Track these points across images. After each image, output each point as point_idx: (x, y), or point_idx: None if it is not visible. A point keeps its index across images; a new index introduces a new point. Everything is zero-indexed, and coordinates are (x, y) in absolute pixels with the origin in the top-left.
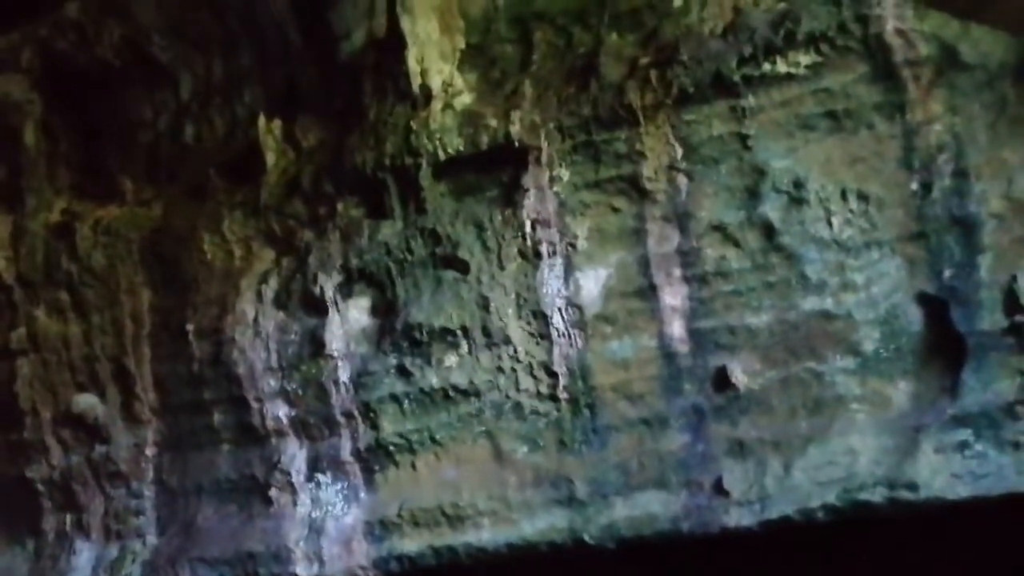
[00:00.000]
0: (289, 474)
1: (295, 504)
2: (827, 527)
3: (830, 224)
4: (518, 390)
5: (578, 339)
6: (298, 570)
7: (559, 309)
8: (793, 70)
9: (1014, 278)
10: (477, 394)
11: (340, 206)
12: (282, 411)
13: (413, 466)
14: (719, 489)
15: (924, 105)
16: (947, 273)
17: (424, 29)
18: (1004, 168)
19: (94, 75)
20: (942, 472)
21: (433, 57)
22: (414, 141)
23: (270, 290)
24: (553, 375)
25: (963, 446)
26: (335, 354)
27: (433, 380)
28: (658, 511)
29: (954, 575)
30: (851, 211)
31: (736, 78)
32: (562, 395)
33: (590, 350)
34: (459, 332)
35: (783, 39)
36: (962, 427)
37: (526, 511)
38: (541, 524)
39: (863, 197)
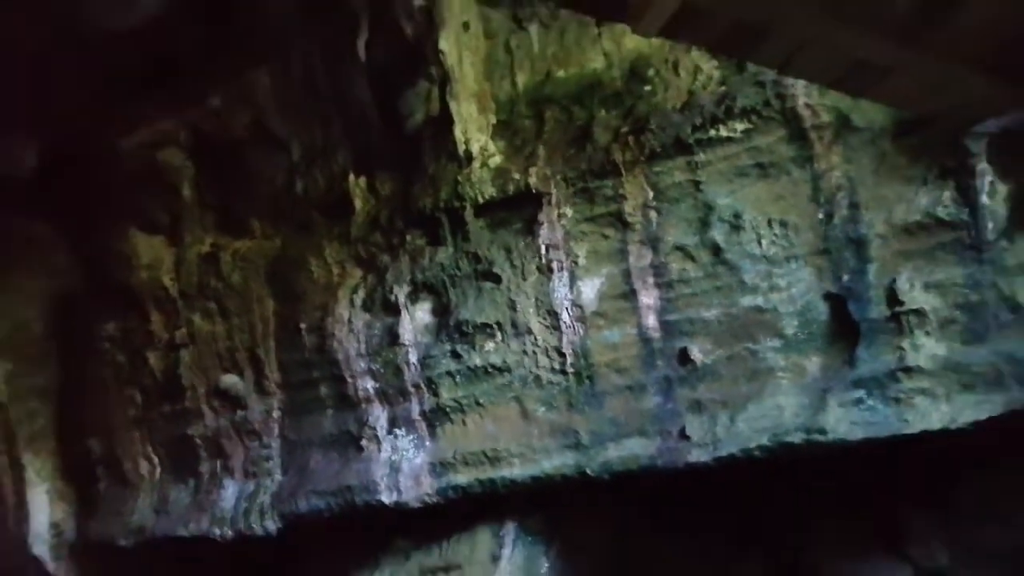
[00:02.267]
0: (375, 429)
1: (379, 451)
2: (761, 466)
3: (760, 244)
4: (538, 367)
5: (580, 330)
6: (383, 498)
7: (566, 308)
8: (732, 134)
9: (893, 280)
10: (508, 370)
11: (408, 237)
12: (369, 384)
13: (464, 422)
14: (683, 435)
15: (826, 157)
16: (845, 278)
17: (466, 110)
18: (885, 202)
19: (231, 145)
20: (844, 421)
21: (473, 130)
22: (460, 190)
23: (359, 298)
24: (563, 355)
25: (859, 401)
26: (406, 343)
27: (477, 360)
28: (640, 452)
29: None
30: (775, 234)
31: (691, 141)
32: (569, 370)
33: (589, 337)
34: (495, 326)
35: (724, 112)
36: (858, 388)
37: (545, 453)
38: (556, 462)
39: (783, 224)
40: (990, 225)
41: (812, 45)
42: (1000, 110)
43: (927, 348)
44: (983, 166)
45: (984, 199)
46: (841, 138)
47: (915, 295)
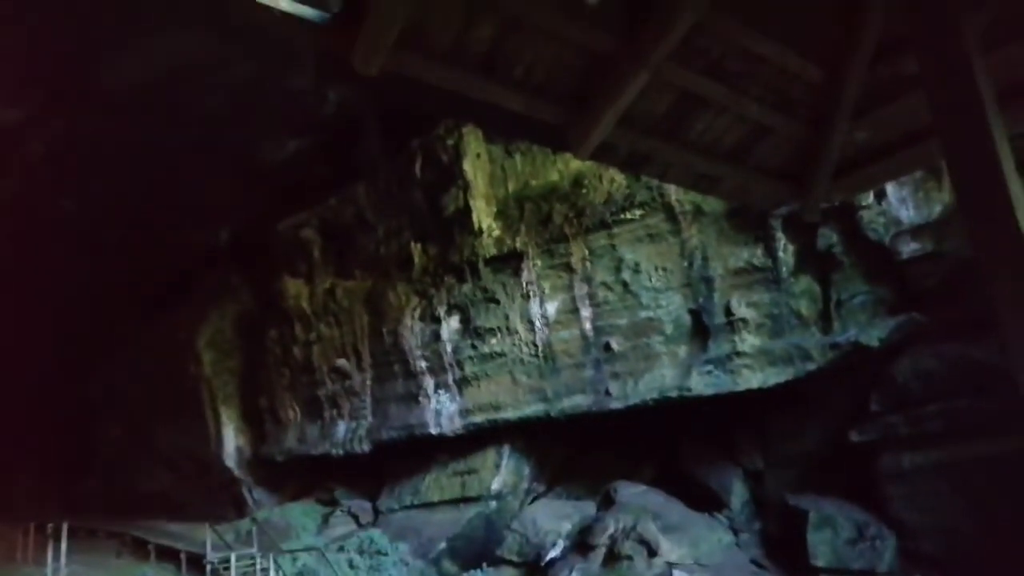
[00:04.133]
0: (427, 390)
1: (429, 403)
2: (653, 411)
3: (651, 280)
4: (522, 353)
5: (546, 331)
6: (431, 431)
7: (538, 319)
8: (633, 217)
9: (728, 302)
10: (504, 355)
11: (446, 279)
12: (424, 364)
13: (479, 386)
14: (607, 393)
15: (688, 230)
16: (700, 300)
17: (479, 205)
18: (724, 256)
19: (342, 227)
20: (701, 383)
21: (483, 216)
22: (476, 251)
23: (417, 314)
24: (536, 346)
25: (710, 372)
26: (444, 340)
27: (486, 349)
28: (582, 403)
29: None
30: (659, 275)
31: (610, 221)
32: (540, 355)
33: (551, 336)
34: (496, 329)
35: (628, 204)
36: (709, 364)
37: (526, 404)
38: (532, 409)
39: (664, 269)
40: (784, 269)
41: (675, 165)
42: (786, 201)
43: (748, 341)
44: (779, 234)
45: (780, 254)
46: (697, 219)
47: (742, 310)
